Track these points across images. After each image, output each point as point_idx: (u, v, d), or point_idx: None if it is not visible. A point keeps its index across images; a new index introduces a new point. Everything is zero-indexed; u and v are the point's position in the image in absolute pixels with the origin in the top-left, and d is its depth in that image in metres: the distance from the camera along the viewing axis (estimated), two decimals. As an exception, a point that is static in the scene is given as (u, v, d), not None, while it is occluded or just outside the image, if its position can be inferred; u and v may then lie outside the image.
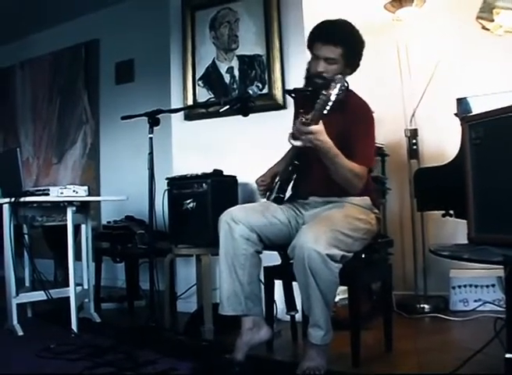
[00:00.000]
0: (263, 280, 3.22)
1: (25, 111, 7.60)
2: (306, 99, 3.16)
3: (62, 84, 7.10)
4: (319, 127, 2.68)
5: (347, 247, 2.77)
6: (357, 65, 3.10)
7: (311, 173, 3.11)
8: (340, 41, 2.98)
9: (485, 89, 3.89)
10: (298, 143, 2.77)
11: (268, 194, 3.31)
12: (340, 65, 3.01)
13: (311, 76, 3.11)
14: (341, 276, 2.79)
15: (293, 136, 2.80)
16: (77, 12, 6.64)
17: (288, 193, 3.18)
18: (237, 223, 2.96)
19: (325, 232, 2.69)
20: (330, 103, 2.67)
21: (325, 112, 2.68)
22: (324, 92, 2.68)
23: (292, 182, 3.17)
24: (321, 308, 2.68)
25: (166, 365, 2.97)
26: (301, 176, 3.16)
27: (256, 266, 3.01)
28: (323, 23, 3.12)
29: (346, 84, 2.71)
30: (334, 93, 2.66)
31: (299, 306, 3.35)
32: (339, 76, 2.75)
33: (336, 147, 2.77)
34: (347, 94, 2.81)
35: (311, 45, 3.11)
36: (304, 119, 2.71)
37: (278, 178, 3.23)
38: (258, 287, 3.03)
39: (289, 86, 4.07)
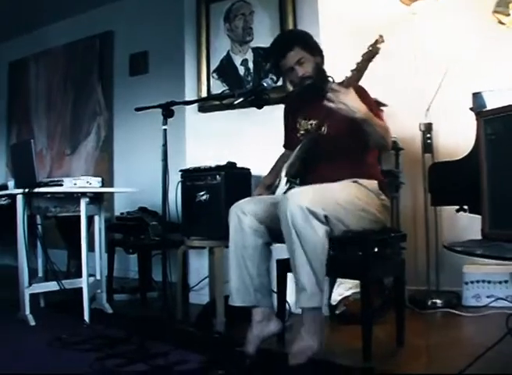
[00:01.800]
0: (275, 273, 3.22)
1: (39, 102, 7.62)
2: (299, 104, 3.37)
3: (76, 76, 7.12)
4: (352, 93, 2.79)
5: (336, 213, 2.77)
6: (320, 49, 3.29)
7: (319, 164, 3.14)
8: (292, 43, 3.19)
9: (501, 84, 3.87)
10: (333, 105, 2.80)
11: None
12: (309, 58, 3.19)
13: (298, 84, 3.26)
14: (353, 270, 2.79)
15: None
16: (92, 3, 6.66)
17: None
18: (246, 215, 2.98)
19: (312, 191, 2.75)
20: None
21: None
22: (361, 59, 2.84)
23: (300, 175, 3.18)
24: (307, 272, 2.66)
25: (177, 356, 2.98)
26: (310, 169, 3.17)
27: (265, 257, 3.02)
28: (269, 47, 3.48)
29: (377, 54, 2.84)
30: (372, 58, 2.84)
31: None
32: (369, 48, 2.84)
33: (350, 126, 2.90)
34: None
35: (278, 66, 3.29)
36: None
37: (284, 173, 3.24)
38: (268, 279, 3.03)
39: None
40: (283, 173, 3.25)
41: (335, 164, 3.10)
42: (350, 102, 2.75)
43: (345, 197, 2.87)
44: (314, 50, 3.23)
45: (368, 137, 2.95)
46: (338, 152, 3.09)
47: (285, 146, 3.60)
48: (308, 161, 3.15)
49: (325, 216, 2.69)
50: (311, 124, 3.25)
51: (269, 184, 3.43)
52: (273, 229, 2.94)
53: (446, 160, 3.68)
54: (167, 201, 3.38)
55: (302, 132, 3.30)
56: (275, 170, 3.49)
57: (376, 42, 2.81)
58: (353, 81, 2.85)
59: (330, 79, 3.23)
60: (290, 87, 4.10)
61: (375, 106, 3.14)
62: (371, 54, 2.82)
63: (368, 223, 2.98)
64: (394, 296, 3.36)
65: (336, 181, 3.03)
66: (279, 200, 2.97)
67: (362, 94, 3.00)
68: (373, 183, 3.10)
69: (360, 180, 3.06)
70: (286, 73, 3.31)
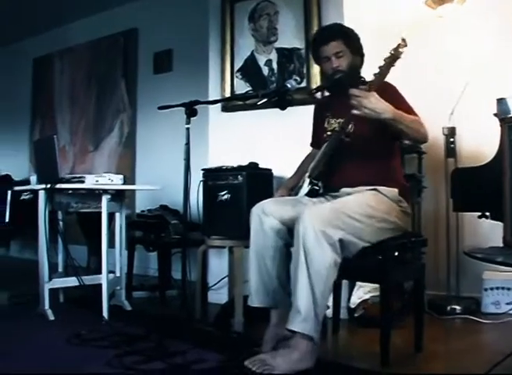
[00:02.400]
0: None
1: (62, 99, 7.68)
2: (330, 101, 3.39)
3: (99, 73, 7.16)
4: (374, 95, 2.78)
5: (353, 231, 2.75)
6: (362, 52, 3.33)
7: (342, 167, 3.12)
8: (337, 35, 3.23)
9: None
10: (358, 112, 2.80)
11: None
12: (348, 55, 3.23)
13: (329, 76, 3.28)
14: (373, 273, 2.77)
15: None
16: (116, 1, 6.70)
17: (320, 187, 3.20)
18: (268, 216, 2.98)
19: (325, 211, 2.73)
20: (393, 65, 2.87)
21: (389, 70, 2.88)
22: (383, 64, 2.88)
23: (324, 177, 3.17)
24: (306, 296, 2.60)
25: (195, 355, 2.98)
26: (333, 170, 3.15)
27: (285, 259, 3.00)
28: (315, 33, 3.63)
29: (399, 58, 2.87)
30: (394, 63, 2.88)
31: (330, 302, 3.33)
32: (392, 52, 2.87)
33: (376, 128, 2.93)
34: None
35: (316, 53, 3.32)
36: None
37: (307, 175, 3.25)
38: (287, 281, 3.02)
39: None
40: (307, 174, 3.25)
41: (359, 166, 3.09)
42: (374, 105, 2.74)
43: (364, 211, 2.84)
44: (356, 49, 3.28)
45: (402, 135, 3.00)
46: (362, 154, 3.08)
47: (312, 144, 3.60)
48: (332, 162, 3.14)
49: (340, 240, 2.66)
50: (339, 123, 3.24)
51: (292, 186, 3.44)
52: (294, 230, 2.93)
53: (470, 166, 3.66)
54: (188, 199, 3.39)
55: (329, 132, 3.29)
56: (300, 172, 3.50)
57: (398, 46, 2.83)
58: (375, 85, 2.84)
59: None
60: (314, 85, 4.13)
61: (405, 102, 3.14)
62: (393, 58, 2.84)
63: (389, 233, 2.96)
64: (413, 300, 3.34)
65: (358, 185, 3.04)
66: (301, 201, 2.99)
67: (389, 90, 3.04)
68: (393, 191, 3.07)
69: (380, 188, 3.04)
70: (322, 61, 3.31)
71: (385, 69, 2.86)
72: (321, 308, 2.63)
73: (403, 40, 2.85)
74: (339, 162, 3.12)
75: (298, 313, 2.61)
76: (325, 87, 3.51)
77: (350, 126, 3.11)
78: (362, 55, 3.32)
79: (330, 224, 2.65)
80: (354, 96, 2.76)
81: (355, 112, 2.79)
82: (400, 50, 2.82)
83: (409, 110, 3.02)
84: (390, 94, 2.99)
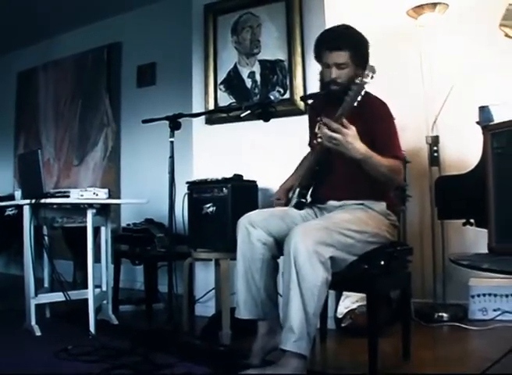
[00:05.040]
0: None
1: (47, 112, 7.65)
2: (324, 106, 3.21)
3: (84, 87, 7.14)
4: (352, 132, 2.70)
5: (345, 247, 2.74)
6: (367, 61, 3.10)
7: (330, 178, 3.09)
8: (345, 45, 3.03)
9: (508, 97, 3.86)
10: (330, 145, 2.76)
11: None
12: (351, 68, 3.04)
13: (325, 84, 3.14)
14: (360, 283, 2.78)
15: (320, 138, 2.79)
16: (100, 14, 6.69)
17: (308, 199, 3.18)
18: (255, 228, 2.97)
19: (317, 229, 2.70)
20: (359, 98, 2.72)
21: (355, 104, 2.73)
22: (351, 93, 2.73)
23: (312, 187, 3.16)
24: (299, 313, 2.58)
25: (183, 369, 2.98)
26: (321, 182, 3.13)
27: (273, 270, 3.01)
28: (326, 31, 3.25)
29: (364, 88, 2.75)
30: (362, 91, 2.72)
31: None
32: (357, 81, 2.78)
33: (364, 143, 2.78)
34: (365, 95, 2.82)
35: (318, 55, 3.17)
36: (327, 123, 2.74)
37: (297, 184, 3.24)
38: (275, 292, 3.03)
39: (311, 91, 4.06)
40: (296, 183, 3.25)
41: (346, 179, 3.06)
42: (348, 144, 2.70)
43: (355, 227, 2.83)
44: (362, 62, 3.05)
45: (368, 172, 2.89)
46: (349, 167, 2.98)
47: (309, 144, 3.54)
48: (319, 173, 3.11)
49: (331, 257, 2.65)
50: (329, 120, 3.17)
51: (289, 188, 3.40)
52: (282, 242, 2.88)
53: (453, 174, 3.68)
54: (173, 212, 3.38)
55: (319, 139, 3.10)
56: (297, 173, 3.47)
57: (366, 75, 2.78)
58: (346, 114, 2.75)
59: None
60: (297, 96, 4.13)
61: (388, 128, 3.05)
62: (360, 87, 2.76)
63: (376, 245, 2.95)
64: (400, 309, 3.35)
65: (346, 199, 3.06)
66: (288, 213, 2.99)
67: (377, 111, 3.01)
68: (381, 205, 3.07)
69: (368, 202, 3.04)
70: (322, 64, 3.17)
71: (353, 97, 2.75)
72: (313, 327, 2.62)
73: (372, 66, 2.83)
74: (326, 174, 3.10)
75: (291, 333, 2.58)
76: (318, 94, 3.32)
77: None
78: (366, 66, 3.02)
79: (322, 242, 2.63)
80: (330, 129, 2.71)
81: (325, 143, 2.79)
82: (366, 80, 2.76)
83: (389, 147, 2.96)
84: (376, 114, 2.97)
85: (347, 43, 3.05)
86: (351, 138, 2.70)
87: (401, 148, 3.10)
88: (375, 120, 2.98)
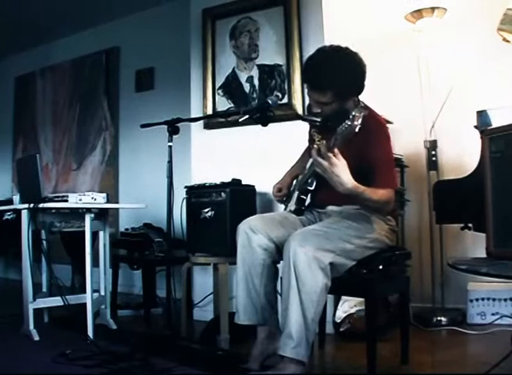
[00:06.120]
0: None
1: (45, 117, 7.64)
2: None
3: (82, 91, 7.14)
4: (341, 164, 2.60)
5: (345, 253, 2.74)
6: (359, 90, 2.96)
7: (329, 184, 3.07)
8: (328, 85, 2.85)
9: (506, 102, 3.87)
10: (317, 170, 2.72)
11: (285, 202, 3.34)
12: (336, 103, 2.90)
13: (311, 112, 3.08)
14: (358, 287, 2.77)
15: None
16: (98, 19, 6.69)
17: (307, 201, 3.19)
18: (255, 233, 2.95)
19: (317, 234, 2.70)
20: (354, 133, 2.59)
21: (348, 142, 2.63)
22: (348, 123, 2.56)
23: (310, 193, 3.16)
24: (298, 320, 2.59)
25: (181, 373, 2.97)
26: (320, 186, 3.11)
27: (273, 276, 3.00)
28: (310, 60, 2.98)
29: (364, 113, 2.60)
30: (358, 124, 2.55)
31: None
32: (355, 113, 2.57)
33: (355, 170, 2.69)
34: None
35: (303, 80, 3.10)
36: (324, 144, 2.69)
37: (296, 187, 3.24)
38: (275, 298, 3.02)
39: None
40: (294, 183, 3.24)
41: None
42: (336, 175, 2.61)
43: (355, 232, 2.83)
44: (350, 94, 2.93)
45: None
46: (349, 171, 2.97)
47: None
48: (319, 179, 3.05)
49: (331, 263, 2.65)
50: (322, 143, 2.92)
51: (294, 178, 3.40)
52: (282, 247, 2.86)
53: (451, 178, 3.68)
54: (172, 217, 3.38)
55: (315, 146, 3.07)
56: (303, 162, 3.41)
57: (354, 118, 2.55)
58: (337, 145, 2.63)
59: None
60: (295, 101, 4.14)
61: (386, 162, 2.96)
62: (350, 130, 2.58)
63: (375, 250, 2.95)
64: (399, 313, 3.35)
65: (345, 203, 3.03)
66: (288, 218, 2.98)
67: (374, 134, 2.90)
68: None
69: (368, 209, 3.00)
70: (306, 90, 3.05)
71: (350, 129, 2.58)
72: (311, 333, 2.62)
73: (360, 108, 2.67)
74: (325, 180, 3.08)
75: (290, 339, 2.59)
76: (314, 122, 3.17)
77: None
78: (358, 95, 2.98)
79: (321, 248, 2.63)
80: (319, 154, 2.65)
81: (314, 167, 2.79)
82: (356, 123, 2.55)
83: (383, 178, 2.87)
84: (372, 139, 2.87)
85: (330, 82, 2.84)
86: (338, 170, 2.60)
87: (395, 177, 3.08)
88: (370, 146, 2.88)
